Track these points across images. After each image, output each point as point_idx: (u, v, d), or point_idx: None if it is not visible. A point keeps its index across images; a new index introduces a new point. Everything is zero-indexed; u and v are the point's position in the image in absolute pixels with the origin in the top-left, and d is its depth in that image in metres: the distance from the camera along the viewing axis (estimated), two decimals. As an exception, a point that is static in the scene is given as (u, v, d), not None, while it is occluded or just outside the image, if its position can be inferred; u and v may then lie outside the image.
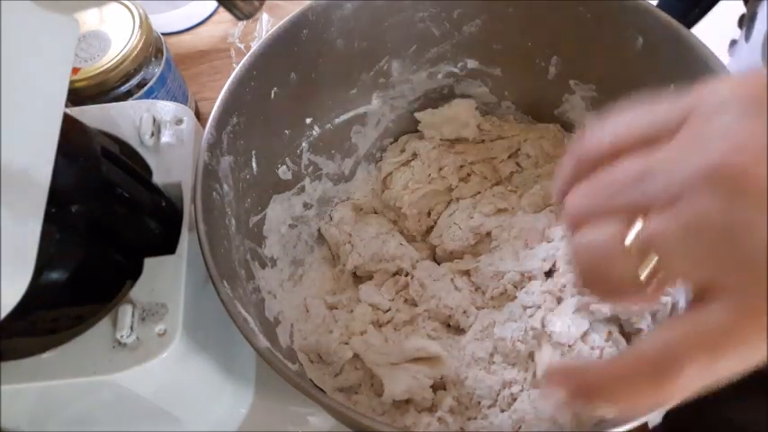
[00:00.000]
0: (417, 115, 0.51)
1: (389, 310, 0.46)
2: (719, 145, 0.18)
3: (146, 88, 0.52)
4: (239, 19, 0.34)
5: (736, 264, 0.17)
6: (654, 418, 0.43)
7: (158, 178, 0.40)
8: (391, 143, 0.53)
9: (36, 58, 0.27)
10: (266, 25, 0.66)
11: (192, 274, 0.36)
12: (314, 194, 0.50)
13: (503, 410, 0.40)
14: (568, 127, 0.51)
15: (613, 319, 0.41)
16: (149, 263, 0.36)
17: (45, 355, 0.33)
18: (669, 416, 0.40)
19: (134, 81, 0.51)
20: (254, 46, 0.41)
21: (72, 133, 0.33)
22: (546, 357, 0.40)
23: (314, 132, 0.48)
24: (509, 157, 0.51)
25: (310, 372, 0.43)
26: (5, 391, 0.33)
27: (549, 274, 0.45)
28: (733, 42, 0.62)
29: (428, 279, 0.46)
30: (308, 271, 0.48)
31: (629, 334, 0.41)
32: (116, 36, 0.50)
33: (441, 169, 0.50)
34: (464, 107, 0.50)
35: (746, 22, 0.54)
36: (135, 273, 0.36)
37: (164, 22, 0.65)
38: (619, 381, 0.20)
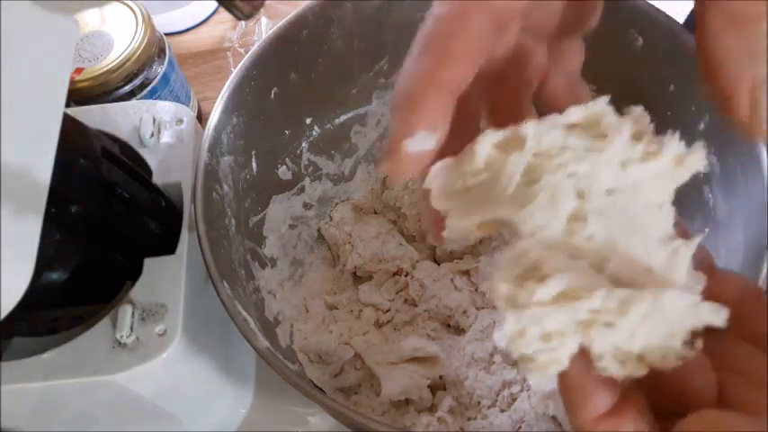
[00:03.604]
0: (418, 116, 0.51)
1: (389, 310, 0.46)
2: None
3: (149, 88, 0.52)
4: (239, 19, 0.34)
5: None
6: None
7: (158, 178, 0.40)
8: (391, 143, 0.53)
9: (36, 58, 0.27)
10: (265, 28, 0.66)
11: (192, 274, 0.36)
12: (314, 194, 0.50)
13: (503, 410, 0.40)
14: (568, 127, 0.51)
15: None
16: (149, 263, 0.36)
17: (45, 355, 0.33)
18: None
19: (137, 81, 0.51)
20: (255, 46, 0.41)
21: (72, 133, 0.33)
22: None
23: (314, 132, 0.48)
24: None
25: (310, 372, 0.43)
26: (5, 391, 0.33)
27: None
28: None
29: (428, 279, 0.46)
30: (308, 271, 0.48)
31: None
32: (119, 36, 0.50)
33: (441, 169, 0.50)
34: None
35: None
36: (135, 273, 0.36)
37: (164, 22, 0.65)
38: None
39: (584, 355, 0.18)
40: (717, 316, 0.17)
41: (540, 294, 0.17)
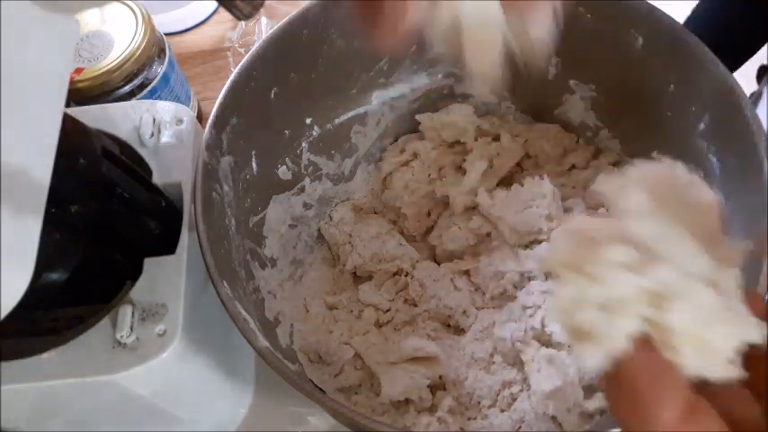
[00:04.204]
0: (418, 117, 0.51)
1: (389, 310, 0.46)
2: None
3: (149, 88, 0.52)
4: (239, 19, 0.34)
5: None
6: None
7: (158, 178, 0.40)
8: (391, 143, 0.53)
9: (36, 58, 0.27)
10: (265, 28, 0.66)
11: (192, 274, 0.36)
12: (314, 194, 0.50)
13: (503, 410, 0.40)
14: (568, 127, 0.51)
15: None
16: (149, 263, 0.36)
17: (45, 355, 0.33)
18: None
19: (137, 81, 0.51)
20: (255, 46, 0.41)
21: (72, 133, 0.33)
22: None
23: (314, 132, 0.48)
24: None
25: (310, 372, 0.43)
26: (5, 391, 0.33)
27: (549, 274, 0.45)
28: (752, 95, 0.62)
29: (428, 279, 0.46)
30: (308, 271, 0.48)
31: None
32: (119, 36, 0.50)
33: (441, 169, 0.50)
34: (462, 113, 0.50)
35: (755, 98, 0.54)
36: (135, 273, 0.36)
37: (164, 21, 0.65)
38: None
39: (648, 349, 0.17)
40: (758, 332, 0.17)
41: (610, 253, 0.17)
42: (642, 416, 0.17)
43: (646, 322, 0.17)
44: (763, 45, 0.72)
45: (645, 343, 0.17)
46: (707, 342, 0.17)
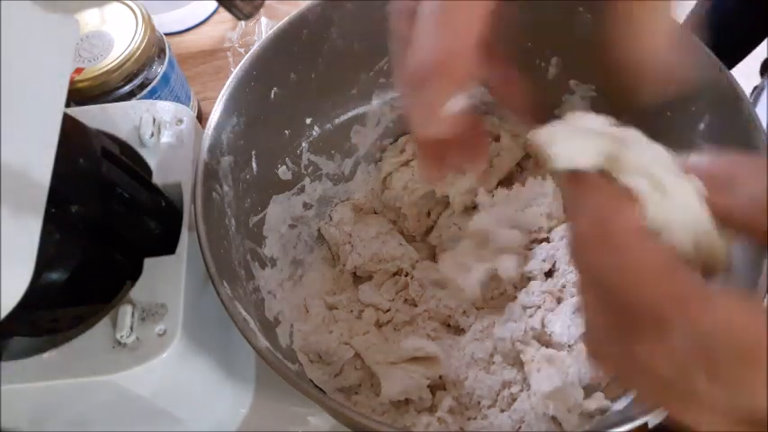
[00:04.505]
0: (418, 116, 0.51)
1: (389, 310, 0.46)
2: None
3: (149, 88, 0.52)
4: (239, 19, 0.34)
5: None
6: (654, 418, 0.43)
7: (158, 178, 0.40)
8: (391, 143, 0.53)
9: (36, 58, 0.27)
10: (265, 28, 0.66)
11: (192, 274, 0.36)
12: (314, 194, 0.50)
13: (502, 411, 0.40)
14: (569, 127, 0.51)
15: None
16: (149, 263, 0.36)
17: (45, 355, 0.33)
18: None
19: (137, 81, 0.51)
20: (255, 46, 0.41)
21: (72, 133, 0.33)
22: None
23: (314, 132, 0.48)
24: (509, 157, 0.51)
25: (310, 372, 0.43)
26: (5, 391, 0.33)
27: (548, 274, 0.45)
28: (755, 89, 0.63)
29: (428, 279, 0.46)
30: (307, 271, 0.48)
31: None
32: (119, 36, 0.50)
33: (441, 169, 0.50)
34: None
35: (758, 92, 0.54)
36: (135, 273, 0.36)
37: (164, 22, 0.65)
38: None
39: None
40: None
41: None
42: (603, 225, 0.19)
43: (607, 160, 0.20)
44: (759, 43, 0.72)
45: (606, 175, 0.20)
46: (662, 184, 0.19)
